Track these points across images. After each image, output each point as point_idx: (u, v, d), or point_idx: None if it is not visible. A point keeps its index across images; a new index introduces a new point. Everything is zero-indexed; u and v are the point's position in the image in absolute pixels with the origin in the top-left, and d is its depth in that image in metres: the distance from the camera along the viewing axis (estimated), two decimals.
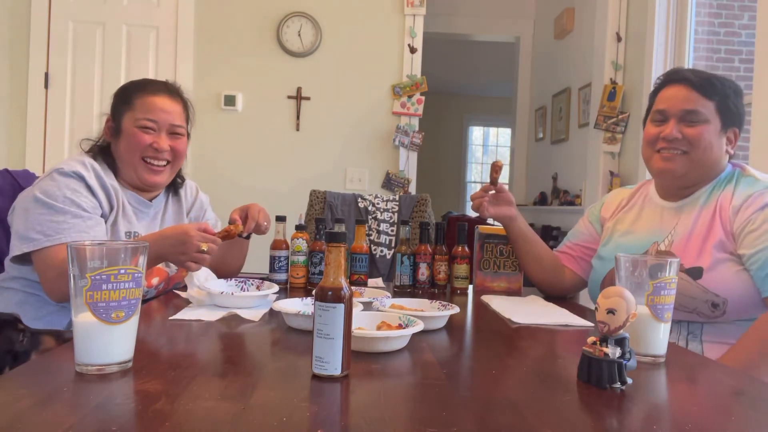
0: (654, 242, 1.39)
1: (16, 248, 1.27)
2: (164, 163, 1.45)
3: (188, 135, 1.53)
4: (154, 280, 1.43)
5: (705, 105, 1.32)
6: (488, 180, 1.57)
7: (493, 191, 1.56)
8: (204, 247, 1.18)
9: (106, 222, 1.37)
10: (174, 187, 1.60)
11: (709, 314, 1.26)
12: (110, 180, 1.41)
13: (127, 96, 1.45)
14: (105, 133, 1.47)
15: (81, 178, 1.34)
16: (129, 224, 1.43)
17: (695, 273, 1.27)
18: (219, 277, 1.41)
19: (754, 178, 1.34)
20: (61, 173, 1.33)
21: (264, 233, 1.51)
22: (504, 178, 8.24)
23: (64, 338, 1.07)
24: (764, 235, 1.23)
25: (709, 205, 1.34)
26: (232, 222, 1.43)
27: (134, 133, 1.41)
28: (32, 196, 1.30)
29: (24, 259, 1.30)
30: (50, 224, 1.26)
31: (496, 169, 1.56)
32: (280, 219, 1.62)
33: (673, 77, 1.39)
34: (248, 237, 1.58)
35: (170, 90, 1.49)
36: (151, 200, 1.51)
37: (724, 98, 1.33)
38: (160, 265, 1.43)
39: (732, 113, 1.34)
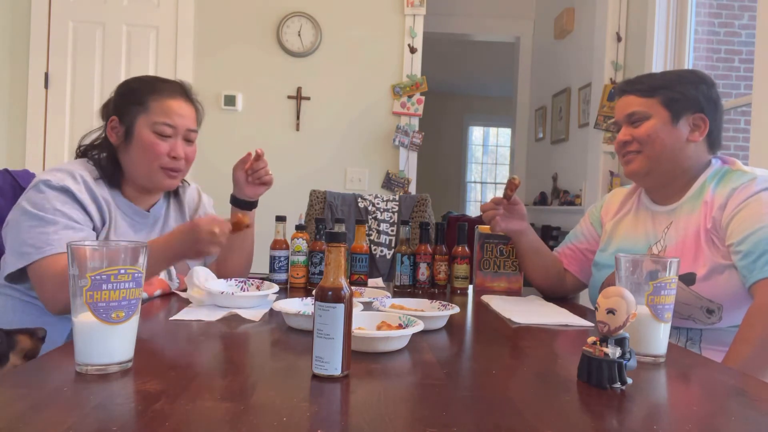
0: (649, 247, 1.39)
1: (11, 264, 1.23)
2: (179, 169, 1.42)
3: None
4: (157, 292, 1.39)
5: (645, 103, 1.37)
6: (492, 182, 1.58)
7: (505, 203, 1.56)
8: (215, 228, 1.14)
9: (98, 237, 1.32)
10: (175, 191, 1.56)
11: (705, 320, 1.26)
12: (102, 191, 1.35)
13: (139, 96, 1.37)
14: (110, 135, 1.39)
15: (70, 193, 1.28)
16: (123, 238, 1.37)
17: (688, 279, 1.26)
18: (227, 271, 1.38)
19: (742, 171, 1.33)
20: (49, 186, 1.27)
21: (265, 178, 1.50)
22: (503, 178, 8.23)
23: (38, 336, 1.07)
24: (749, 220, 1.23)
25: (698, 205, 1.34)
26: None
27: (152, 141, 1.34)
28: (21, 209, 1.25)
29: (20, 277, 1.26)
30: (40, 236, 1.21)
31: (511, 186, 1.54)
32: (280, 219, 1.62)
33: (617, 90, 1.47)
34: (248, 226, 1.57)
35: (185, 92, 1.43)
36: (148, 209, 1.46)
37: (668, 90, 1.36)
38: (162, 277, 1.41)
39: (682, 101, 1.34)
